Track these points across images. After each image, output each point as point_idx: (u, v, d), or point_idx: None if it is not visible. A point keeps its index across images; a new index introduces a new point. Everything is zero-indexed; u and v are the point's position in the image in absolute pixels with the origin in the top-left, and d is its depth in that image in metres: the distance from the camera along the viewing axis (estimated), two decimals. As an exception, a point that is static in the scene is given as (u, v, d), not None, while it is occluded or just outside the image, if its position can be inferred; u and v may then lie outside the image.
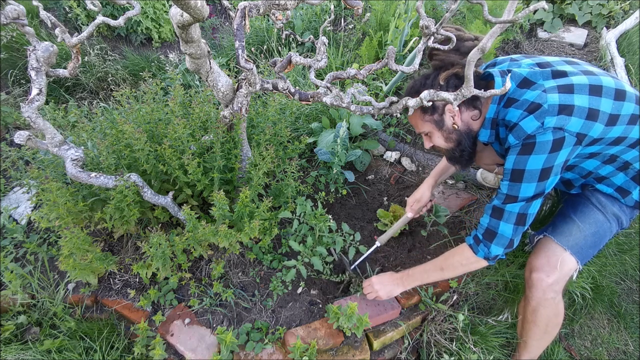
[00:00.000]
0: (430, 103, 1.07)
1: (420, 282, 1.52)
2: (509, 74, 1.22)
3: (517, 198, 1.21)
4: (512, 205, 1.22)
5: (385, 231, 1.85)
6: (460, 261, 1.38)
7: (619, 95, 1.16)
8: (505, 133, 1.24)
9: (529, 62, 1.28)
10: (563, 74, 1.19)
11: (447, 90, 1.22)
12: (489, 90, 0.97)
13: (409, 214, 1.73)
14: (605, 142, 1.18)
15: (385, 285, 1.53)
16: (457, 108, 1.27)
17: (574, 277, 1.40)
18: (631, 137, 1.18)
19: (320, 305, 1.59)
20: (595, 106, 1.13)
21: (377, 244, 1.72)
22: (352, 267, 1.70)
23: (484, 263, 1.34)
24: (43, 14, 1.26)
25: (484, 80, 1.28)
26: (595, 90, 1.15)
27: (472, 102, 1.29)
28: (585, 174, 1.33)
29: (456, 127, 1.30)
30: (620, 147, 1.21)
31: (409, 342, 1.57)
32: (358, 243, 1.68)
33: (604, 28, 2.98)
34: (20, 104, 1.27)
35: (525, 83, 1.21)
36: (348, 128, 2.07)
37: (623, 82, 1.22)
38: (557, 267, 1.32)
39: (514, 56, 1.38)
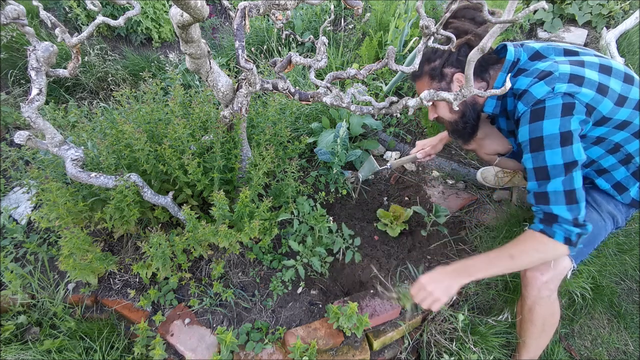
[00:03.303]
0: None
1: (484, 273, 1.27)
2: (522, 47, 1.25)
3: (546, 168, 1.12)
4: (553, 184, 1.13)
5: (385, 229, 1.85)
6: (535, 247, 1.20)
7: (628, 79, 1.19)
8: (514, 103, 1.24)
9: (541, 43, 1.32)
10: (575, 53, 1.23)
11: (458, 57, 1.26)
12: (489, 90, 0.98)
13: (418, 155, 1.80)
14: (612, 124, 1.19)
15: (440, 283, 1.26)
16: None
17: (569, 276, 1.39)
18: (635, 123, 1.20)
19: (320, 305, 1.59)
20: (605, 82, 1.15)
21: (388, 164, 1.87)
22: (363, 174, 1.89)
23: (563, 248, 1.17)
24: (43, 14, 1.26)
25: (496, 54, 1.30)
26: (605, 69, 1.18)
27: (480, 74, 1.30)
28: (588, 162, 1.33)
29: None
30: (625, 133, 1.21)
31: (409, 342, 1.57)
32: (357, 248, 1.68)
33: (604, 28, 2.98)
34: (20, 104, 1.27)
35: (536, 56, 1.23)
36: (348, 128, 2.07)
37: (630, 69, 1.25)
38: (551, 265, 1.32)
39: (525, 42, 1.40)
